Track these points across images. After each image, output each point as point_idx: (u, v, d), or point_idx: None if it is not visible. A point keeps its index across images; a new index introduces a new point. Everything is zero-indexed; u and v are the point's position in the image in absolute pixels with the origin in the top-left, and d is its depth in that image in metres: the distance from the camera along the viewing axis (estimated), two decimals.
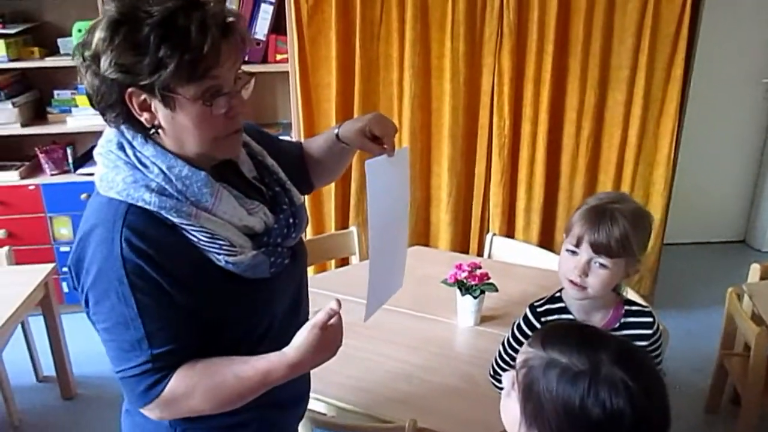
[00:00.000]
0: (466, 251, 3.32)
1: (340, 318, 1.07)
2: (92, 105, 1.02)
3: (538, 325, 1.42)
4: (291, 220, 1.17)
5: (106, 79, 0.97)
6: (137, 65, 0.94)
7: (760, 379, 2.20)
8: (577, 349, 0.85)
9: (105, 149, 1.05)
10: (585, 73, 3.03)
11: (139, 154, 1.03)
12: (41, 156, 3.33)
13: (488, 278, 2.07)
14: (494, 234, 2.78)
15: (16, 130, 3.27)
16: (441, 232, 3.26)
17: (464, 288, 2.07)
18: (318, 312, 1.05)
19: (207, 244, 1.02)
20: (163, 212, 1.00)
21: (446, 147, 3.09)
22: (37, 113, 3.45)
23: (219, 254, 1.03)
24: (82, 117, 3.27)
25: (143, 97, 0.98)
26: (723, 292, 2.56)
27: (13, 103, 3.26)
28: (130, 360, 1.02)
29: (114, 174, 1.02)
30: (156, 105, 0.99)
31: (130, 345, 1.01)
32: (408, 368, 1.89)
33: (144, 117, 1.00)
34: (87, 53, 0.98)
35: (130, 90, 0.97)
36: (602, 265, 1.31)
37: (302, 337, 1.04)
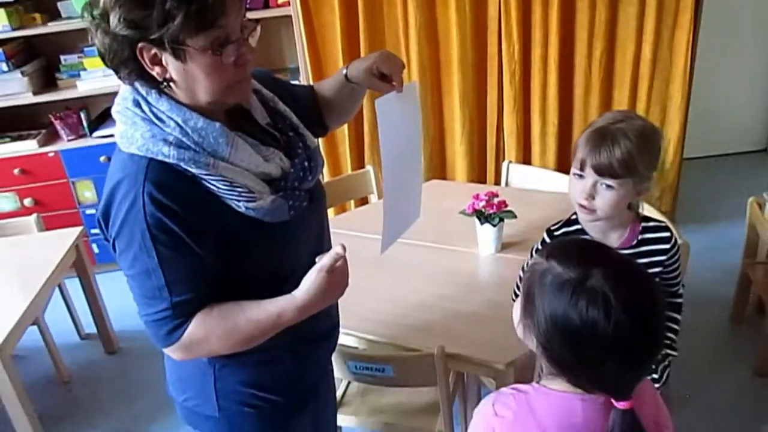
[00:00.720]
0: (483, 181, 3.33)
1: (345, 261, 1.10)
2: (105, 63, 1.04)
3: None
4: (307, 164, 1.19)
5: (117, 36, 0.98)
6: (145, 19, 0.96)
7: None
8: (575, 261, 0.90)
9: (122, 107, 1.08)
10: None
11: (154, 109, 1.05)
12: (56, 123, 3.37)
13: (506, 206, 2.09)
14: (510, 162, 2.78)
15: (29, 99, 3.30)
16: (457, 164, 3.26)
17: (483, 217, 2.09)
18: (324, 256, 1.08)
19: (226, 192, 1.05)
20: (182, 164, 1.03)
21: (456, 78, 3.05)
22: (47, 80, 3.47)
23: (239, 201, 1.06)
24: (92, 80, 3.28)
25: (153, 51, 1.00)
26: (746, 204, 2.55)
27: (22, 72, 3.27)
28: (152, 306, 1.07)
29: (132, 130, 1.05)
30: (166, 58, 1.00)
31: (152, 292, 1.06)
32: (432, 299, 1.93)
33: (155, 71, 1.02)
34: (96, 12, 0.99)
35: (140, 45, 0.99)
36: (608, 187, 1.32)
37: (310, 280, 1.08)
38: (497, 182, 3.27)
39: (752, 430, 2.21)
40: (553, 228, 1.47)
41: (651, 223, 1.44)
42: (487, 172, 3.33)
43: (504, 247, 2.16)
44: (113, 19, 0.97)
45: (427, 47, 3.00)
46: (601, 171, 1.30)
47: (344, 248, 1.08)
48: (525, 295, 0.95)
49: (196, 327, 1.07)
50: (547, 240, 1.46)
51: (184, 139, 1.04)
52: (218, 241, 1.07)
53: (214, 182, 1.05)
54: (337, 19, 2.96)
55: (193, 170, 1.04)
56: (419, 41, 2.96)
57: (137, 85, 1.06)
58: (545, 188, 2.60)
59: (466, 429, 2.20)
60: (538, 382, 0.99)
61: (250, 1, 3.16)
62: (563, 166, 3.22)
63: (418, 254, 2.15)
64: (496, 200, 2.09)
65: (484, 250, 2.15)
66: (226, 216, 1.07)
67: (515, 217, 2.09)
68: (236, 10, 1.01)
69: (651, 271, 1.42)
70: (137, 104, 1.06)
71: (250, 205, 1.07)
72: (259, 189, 1.09)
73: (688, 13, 3.00)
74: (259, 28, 1.08)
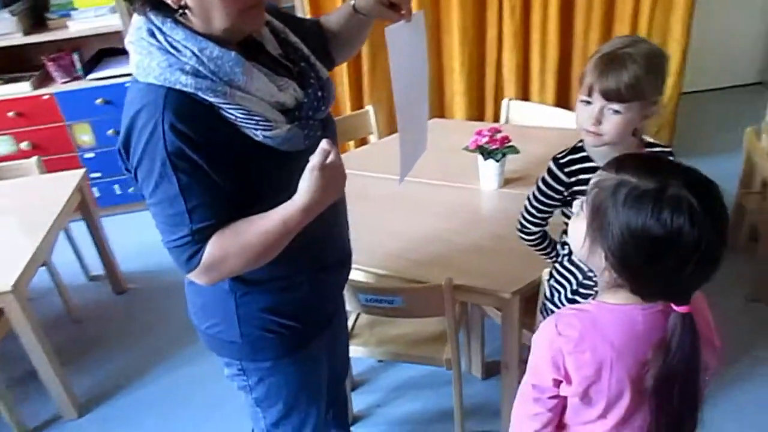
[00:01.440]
0: (481, 119, 3.33)
1: (337, 155, 1.10)
2: None
3: (562, 176, 1.47)
4: (320, 93, 1.20)
5: None
6: None
7: None
8: (649, 172, 0.91)
9: (136, 37, 1.08)
10: None
11: (170, 39, 1.05)
12: (49, 65, 3.31)
13: (509, 141, 2.11)
14: (510, 99, 2.78)
15: (19, 39, 3.23)
16: (455, 102, 3.25)
17: (486, 153, 2.12)
18: (314, 155, 1.08)
19: (244, 120, 1.07)
20: (200, 93, 1.04)
21: (456, 15, 3.01)
22: (36, 20, 3.39)
23: (256, 129, 1.08)
24: (83, 20, 3.21)
25: None
26: (742, 136, 2.57)
27: (11, 12, 3.19)
28: (173, 232, 1.10)
29: (149, 60, 1.05)
30: None
31: (173, 219, 1.09)
32: (438, 233, 1.98)
33: None
34: None
35: None
36: (615, 111, 1.33)
37: (305, 181, 1.08)
38: (496, 119, 3.28)
39: (747, 355, 2.31)
40: (559, 156, 1.49)
41: (656, 149, 1.46)
42: (485, 110, 3.33)
43: (506, 182, 2.19)
44: None
45: None
46: (608, 96, 1.31)
47: (329, 143, 1.08)
48: (593, 212, 0.95)
49: (212, 248, 1.10)
50: (554, 168, 1.48)
51: (200, 68, 1.04)
52: (237, 169, 1.09)
53: (231, 111, 1.06)
54: None
55: (211, 99, 1.05)
56: None
57: (151, 15, 1.06)
58: (545, 124, 2.62)
59: (470, 357, 2.31)
60: (593, 299, 1.03)
61: None
62: (562, 103, 3.23)
63: (422, 191, 2.19)
64: (498, 136, 2.11)
65: (486, 185, 2.18)
66: (244, 144, 1.09)
67: (518, 152, 2.11)
68: None
69: None
70: (152, 34, 1.06)
71: (267, 133, 1.09)
72: (274, 118, 1.11)
73: None
74: None
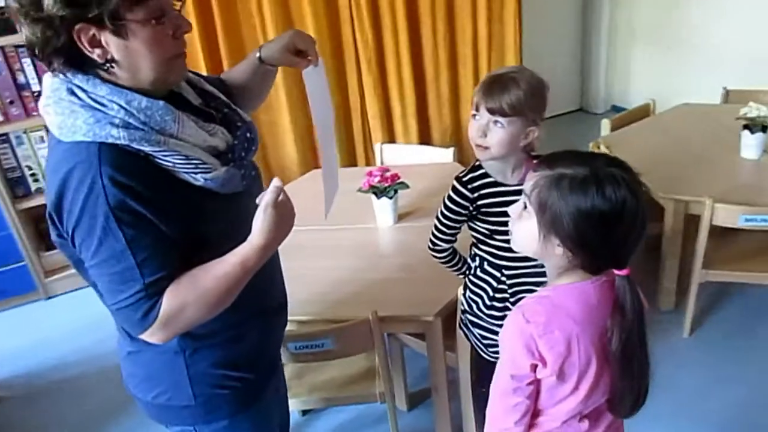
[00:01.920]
0: (355, 165, 3.46)
1: (285, 193, 1.13)
2: (36, 56, 1.01)
3: (467, 193, 1.60)
4: (248, 135, 1.23)
5: (53, 20, 0.96)
6: None
7: None
8: (578, 162, 1.05)
9: (54, 98, 1.05)
10: None
11: (93, 95, 1.03)
12: None
13: (399, 178, 2.24)
14: (383, 142, 2.95)
15: None
16: None
17: (379, 191, 2.23)
18: (264, 194, 1.11)
19: (183, 166, 1.07)
20: (134, 144, 1.03)
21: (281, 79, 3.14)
22: None
23: (196, 173, 1.08)
24: None
25: (92, 32, 0.99)
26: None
27: None
28: (123, 291, 1.05)
29: (73, 119, 1.02)
30: (107, 38, 1.00)
31: (121, 277, 1.05)
32: (350, 273, 2.04)
33: (96, 53, 1.01)
34: (27, 2, 0.97)
35: (78, 27, 0.97)
36: (499, 125, 1.50)
37: (261, 220, 1.10)
38: (368, 163, 3.44)
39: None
40: (461, 175, 1.63)
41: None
42: (356, 155, 3.48)
43: (400, 217, 2.32)
44: (47, 2, 0.95)
45: None
46: (492, 110, 1.48)
47: (280, 181, 1.11)
48: (541, 208, 1.06)
49: (169, 299, 1.07)
50: (459, 186, 1.61)
51: (130, 120, 1.03)
52: (180, 216, 1.08)
53: (168, 158, 1.05)
54: (193, 16, 2.91)
55: (146, 149, 1.04)
56: (276, 33, 3.00)
57: (69, 74, 1.04)
58: (418, 162, 2.80)
59: (394, 390, 2.35)
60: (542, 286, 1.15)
61: None
62: (426, 141, 3.49)
63: (324, 237, 2.24)
64: (389, 174, 2.23)
65: (383, 222, 2.29)
66: (184, 191, 1.08)
67: (408, 187, 2.25)
68: None
69: None
70: (72, 93, 1.04)
71: (207, 176, 1.09)
72: (210, 161, 1.11)
73: None
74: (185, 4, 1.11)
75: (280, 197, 1.10)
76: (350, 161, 3.46)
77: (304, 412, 2.37)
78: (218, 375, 1.26)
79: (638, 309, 1.08)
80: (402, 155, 2.89)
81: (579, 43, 4.80)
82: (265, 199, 1.09)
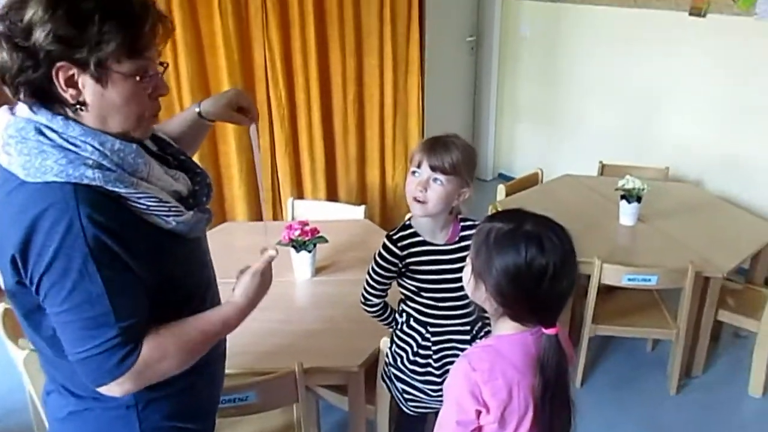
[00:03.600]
0: (260, 219, 3.47)
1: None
2: (3, 81, 0.99)
3: (396, 250, 1.69)
4: (207, 181, 1.25)
5: (37, 52, 0.95)
6: (78, 38, 0.95)
7: None
8: (509, 218, 1.17)
9: (18, 137, 1.01)
10: (343, 41, 3.36)
11: (65, 135, 1.02)
12: None
13: (318, 232, 2.29)
14: (294, 198, 3.00)
15: None
16: (236, 206, 3.35)
17: (299, 245, 2.27)
18: (261, 259, 1.17)
19: (156, 208, 1.06)
20: (108, 185, 1.01)
21: (232, 126, 3.16)
22: None
23: (168, 216, 1.08)
24: None
25: (72, 72, 0.98)
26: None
27: None
28: (96, 337, 1.02)
29: (41, 159, 1.00)
30: (85, 81, 1.00)
31: (94, 322, 1.02)
32: (270, 325, 2.04)
33: (69, 93, 1.00)
34: (15, 26, 0.95)
35: (59, 64, 0.97)
36: (439, 182, 1.62)
37: (247, 283, 1.16)
38: (275, 218, 3.46)
39: None
40: (392, 234, 1.71)
41: (468, 223, 1.77)
42: (264, 212, 3.48)
43: (317, 271, 2.36)
44: (39, 34, 0.94)
45: (199, 95, 3.06)
46: (434, 167, 1.60)
47: (277, 251, 1.19)
48: (474, 254, 1.17)
49: (149, 349, 1.06)
50: (389, 244, 1.69)
51: (104, 162, 1.02)
52: (150, 259, 1.07)
53: (143, 200, 1.05)
54: None
55: (120, 190, 1.03)
56: (191, 89, 3.01)
57: (36, 114, 1.02)
58: (329, 218, 2.87)
59: None
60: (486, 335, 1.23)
61: None
62: (333, 198, 3.57)
63: None
64: (308, 228, 2.28)
65: (301, 275, 2.32)
66: (153, 233, 1.08)
67: (327, 241, 2.31)
68: (160, 45, 1.07)
69: None
70: (40, 132, 1.01)
71: (179, 219, 1.10)
72: (178, 206, 1.12)
73: (416, 61, 3.62)
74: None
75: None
76: (257, 216, 3.46)
77: None
78: (170, 428, 1.23)
79: (561, 367, 1.17)
80: (313, 211, 2.95)
81: (471, 115, 5.18)
82: (255, 266, 1.15)
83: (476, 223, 1.81)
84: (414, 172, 1.64)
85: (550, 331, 1.17)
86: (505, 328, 1.22)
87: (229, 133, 3.20)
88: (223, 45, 3.02)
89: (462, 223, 1.75)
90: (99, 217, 1.00)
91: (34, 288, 1.02)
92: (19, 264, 1.01)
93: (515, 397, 1.17)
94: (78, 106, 1.02)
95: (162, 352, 1.08)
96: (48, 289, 1.01)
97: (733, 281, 2.92)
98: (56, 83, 0.99)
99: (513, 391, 1.17)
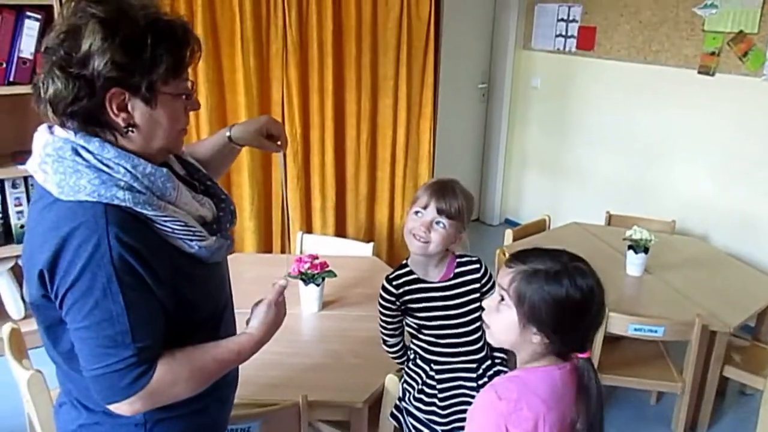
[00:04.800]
0: (270, 252, 3.50)
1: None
2: (55, 111, 1.03)
3: (392, 289, 1.72)
4: (231, 208, 1.28)
5: (95, 80, 1.00)
6: (134, 63, 1.01)
7: None
8: (547, 257, 1.18)
9: (55, 156, 1.05)
10: (360, 82, 3.45)
11: (99, 157, 1.05)
12: None
13: (328, 266, 2.31)
14: (304, 232, 3.03)
15: None
16: (246, 238, 3.38)
17: (307, 278, 2.28)
18: (274, 291, 1.20)
19: (181, 232, 1.09)
20: (138, 207, 1.04)
21: (246, 158, 3.23)
22: None
23: (192, 240, 1.11)
24: None
25: (123, 96, 1.03)
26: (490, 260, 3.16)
27: None
28: (112, 355, 1.04)
29: (76, 179, 1.03)
30: (135, 104, 1.05)
31: (112, 341, 1.03)
32: (275, 357, 2.03)
33: (121, 117, 1.05)
34: (70, 56, 0.99)
35: (113, 90, 1.01)
36: (442, 225, 1.65)
37: (263, 315, 1.19)
38: (282, 251, 3.49)
39: None
40: (389, 276, 1.75)
41: (465, 259, 1.79)
42: (273, 244, 3.52)
43: (324, 305, 2.37)
44: (98, 62, 0.99)
45: (217, 127, 3.13)
46: (441, 211, 1.64)
47: (287, 281, 1.21)
48: (520, 301, 1.17)
49: (163, 372, 1.07)
50: (388, 286, 1.72)
51: (135, 184, 1.06)
52: (171, 282, 1.10)
53: (168, 223, 1.08)
54: None
55: (148, 212, 1.05)
56: (210, 121, 3.09)
57: (76, 135, 1.06)
58: (337, 253, 2.89)
59: None
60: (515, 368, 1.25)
61: (16, 75, 2.93)
62: (341, 234, 3.60)
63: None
64: (318, 261, 2.30)
65: (308, 308, 2.33)
66: (176, 257, 1.11)
67: (336, 275, 2.32)
68: (194, 64, 1.12)
69: (470, 297, 1.75)
70: (77, 153, 1.05)
71: (202, 243, 1.12)
72: (202, 231, 1.15)
73: (429, 105, 3.70)
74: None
75: (281, 297, 1.19)
76: (266, 248, 3.49)
77: None
78: None
79: (600, 390, 1.19)
80: (322, 246, 2.97)
81: (479, 160, 5.25)
82: (269, 298, 1.18)
83: (473, 258, 1.82)
84: (417, 212, 1.67)
85: (585, 355, 1.20)
86: (533, 364, 1.23)
87: (243, 164, 3.26)
88: (243, 82, 3.11)
89: (458, 260, 1.77)
90: (126, 237, 1.02)
91: (58, 302, 1.04)
92: (47, 278, 1.03)
93: (540, 430, 1.17)
94: (129, 129, 1.07)
95: (175, 376, 1.09)
96: (71, 305, 1.03)
97: (740, 337, 2.91)
98: (108, 109, 1.04)
99: (539, 424, 1.17)
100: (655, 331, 2.45)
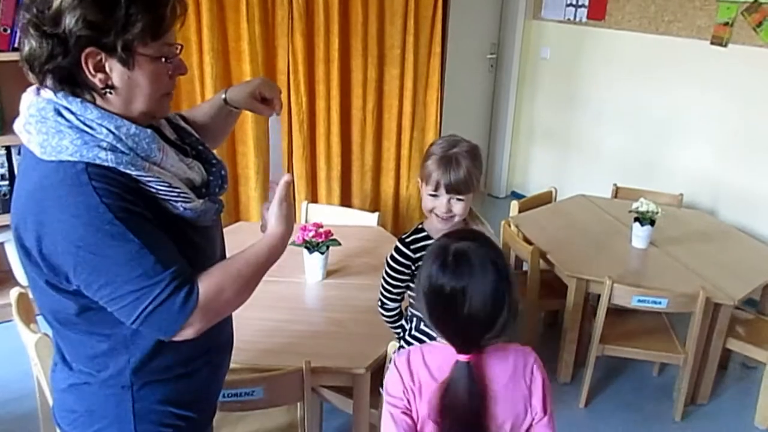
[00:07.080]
0: None
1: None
2: (32, 68, 1.02)
3: (409, 253, 1.71)
4: (222, 173, 1.28)
5: (67, 39, 0.98)
6: (107, 22, 0.99)
7: (536, 286, 2.82)
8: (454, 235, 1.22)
9: (38, 117, 1.04)
10: (366, 51, 3.41)
11: (82, 118, 1.04)
12: None
13: (332, 235, 2.32)
14: (309, 202, 3.03)
15: None
16: (252, 208, 3.38)
17: (312, 246, 2.29)
18: (278, 190, 1.20)
19: (166, 192, 1.09)
20: (120, 167, 1.04)
21: (250, 127, 3.22)
22: None
23: (177, 201, 1.10)
24: None
25: (100, 57, 1.02)
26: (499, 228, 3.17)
27: None
28: (153, 289, 1.04)
29: (58, 139, 1.02)
30: (112, 65, 1.03)
31: (146, 277, 1.03)
32: (278, 324, 2.05)
33: (98, 77, 1.03)
34: (42, 13, 0.98)
35: (88, 50, 1.00)
36: (459, 199, 1.65)
37: (277, 211, 1.19)
38: None
39: None
40: (404, 237, 1.74)
41: (478, 226, 1.79)
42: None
43: (328, 273, 2.37)
44: (69, 20, 0.97)
45: None
46: (450, 191, 1.63)
47: (290, 177, 1.23)
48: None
49: (206, 285, 1.08)
50: (402, 247, 1.72)
51: (117, 145, 1.05)
52: (168, 237, 1.10)
53: (153, 184, 1.07)
54: None
55: (132, 172, 1.05)
56: (215, 90, 3.06)
57: (58, 96, 1.05)
58: (341, 223, 2.89)
59: None
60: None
61: None
62: (346, 204, 3.60)
63: None
64: (322, 230, 2.30)
65: (312, 277, 2.34)
66: (165, 215, 1.10)
67: (340, 244, 2.33)
68: (177, 26, 1.10)
69: None
70: (59, 114, 1.04)
71: (187, 205, 1.12)
72: (188, 193, 1.14)
73: (436, 75, 3.66)
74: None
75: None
76: None
77: None
78: (164, 412, 1.23)
79: (469, 398, 1.14)
80: (327, 215, 2.97)
81: (487, 131, 5.21)
82: (278, 194, 1.18)
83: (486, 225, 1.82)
84: (432, 195, 1.66)
85: (462, 357, 1.16)
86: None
87: (248, 134, 3.24)
88: (248, 50, 3.08)
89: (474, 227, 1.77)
90: (111, 187, 1.02)
91: (67, 282, 1.06)
92: (36, 253, 1.04)
93: (413, 400, 1.20)
94: (107, 90, 1.05)
95: (218, 285, 1.10)
96: (85, 264, 1.02)
97: (744, 311, 2.90)
98: (85, 69, 1.02)
99: (417, 392, 1.20)
100: (659, 303, 2.45)
